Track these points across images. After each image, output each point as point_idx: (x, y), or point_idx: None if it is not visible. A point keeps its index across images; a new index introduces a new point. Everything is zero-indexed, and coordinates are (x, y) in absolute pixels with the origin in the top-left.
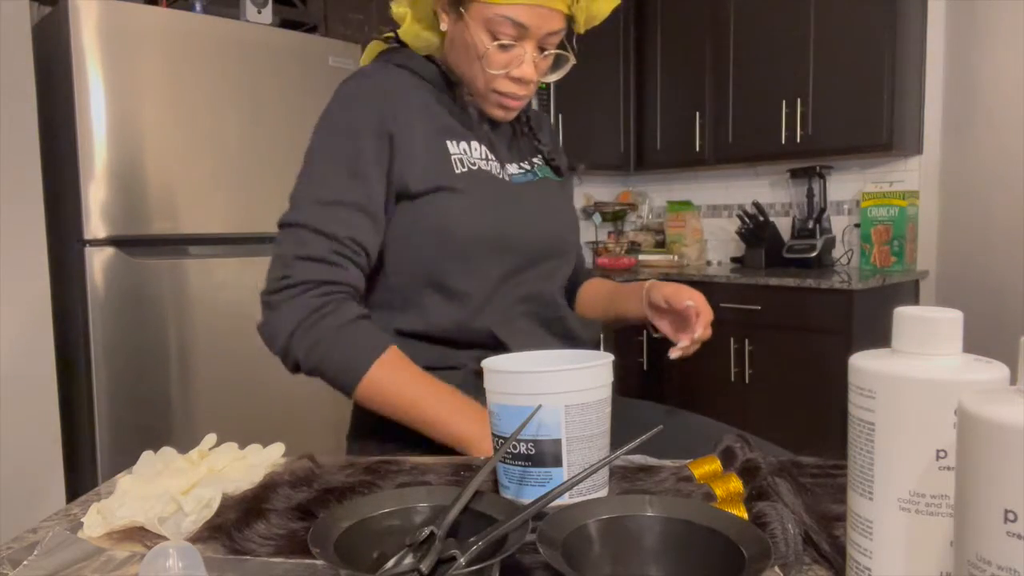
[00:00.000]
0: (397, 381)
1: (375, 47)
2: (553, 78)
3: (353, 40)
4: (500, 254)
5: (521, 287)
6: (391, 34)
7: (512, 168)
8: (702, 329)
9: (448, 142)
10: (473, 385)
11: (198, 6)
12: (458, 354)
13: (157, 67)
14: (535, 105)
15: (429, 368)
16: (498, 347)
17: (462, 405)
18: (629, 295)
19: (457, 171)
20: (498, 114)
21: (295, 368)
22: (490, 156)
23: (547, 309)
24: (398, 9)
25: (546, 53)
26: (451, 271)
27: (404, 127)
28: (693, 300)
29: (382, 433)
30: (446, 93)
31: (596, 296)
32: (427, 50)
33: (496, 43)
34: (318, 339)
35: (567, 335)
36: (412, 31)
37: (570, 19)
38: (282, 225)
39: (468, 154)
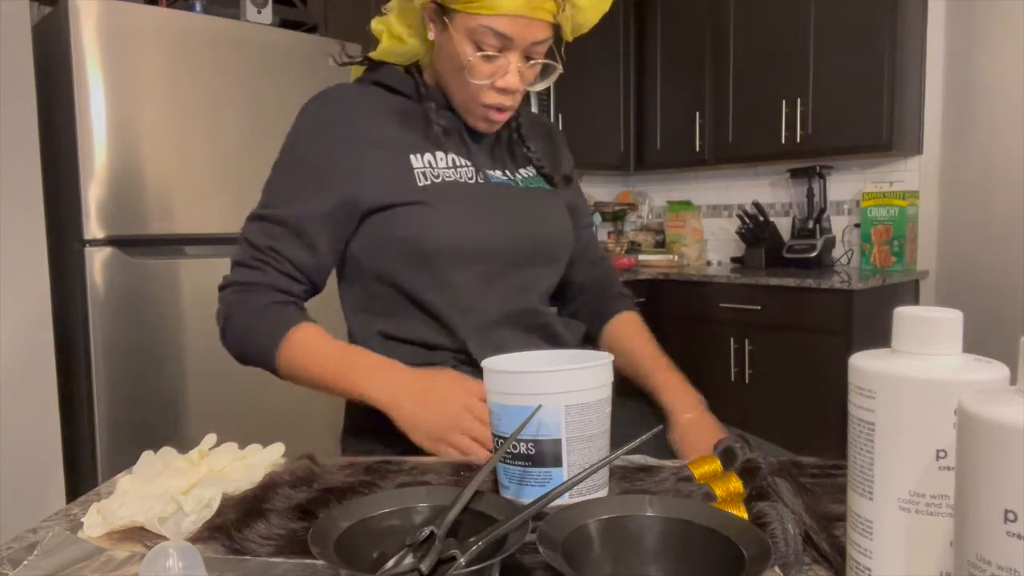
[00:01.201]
0: (311, 352)
1: (357, 71)
2: (540, 87)
3: (353, 41)
4: (471, 264)
5: (498, 298)
6: (363, 59)
7: (494, 174)
8: None
9: (411, 156)
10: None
11: (198, 6)
12: (439, 355)
13: (157, 67)
14: (535, 105)
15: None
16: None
17: (374, 370)
18: (659, 390)
19: (420, 184)
20: (481, 127)
21: (237, 358)
22: (461, 163)
23: (529, 318)
24: (377, 25)
25: (532, 62)
26: (421, 283)
27: (355, 150)
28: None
29: (375, 431)
30: (419, 106)
31: (623, 353)
32: (412, 58)
33: (480, 53)
34: (237, 326)
35: (552, 339)
36: (390, 47)
37: (557, 27)
38: None
39: (433, 166)
